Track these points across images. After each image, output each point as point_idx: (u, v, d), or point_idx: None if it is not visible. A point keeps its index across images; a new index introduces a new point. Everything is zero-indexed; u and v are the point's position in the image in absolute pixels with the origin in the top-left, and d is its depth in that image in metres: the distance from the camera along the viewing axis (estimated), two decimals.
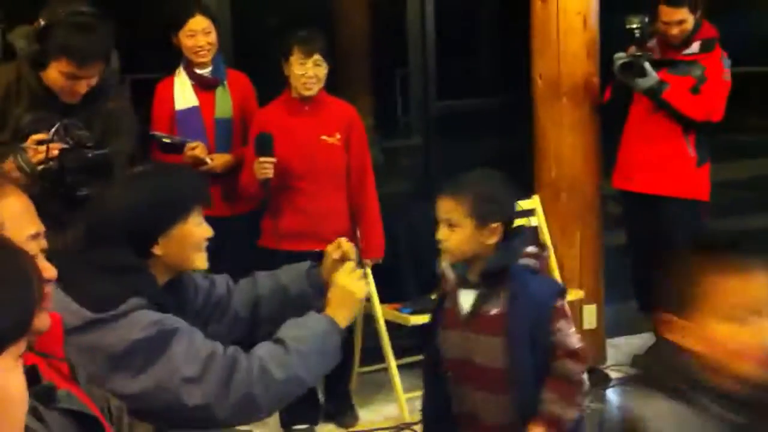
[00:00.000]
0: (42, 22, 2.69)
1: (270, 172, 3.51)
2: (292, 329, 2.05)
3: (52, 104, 2.80)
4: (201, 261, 2.10)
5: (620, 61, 3.90)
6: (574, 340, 2.26)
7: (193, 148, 3.64)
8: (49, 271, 1.43)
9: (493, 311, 2.28)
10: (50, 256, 1.55)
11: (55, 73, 2.72)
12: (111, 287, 1.94)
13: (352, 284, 2.13)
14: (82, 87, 2.75)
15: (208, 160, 3.67)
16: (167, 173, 2.24)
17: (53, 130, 2.67)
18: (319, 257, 3.64)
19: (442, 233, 2.29)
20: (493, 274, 2.27)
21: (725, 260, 1.49)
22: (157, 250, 2.02)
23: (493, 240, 2.26)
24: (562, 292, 2.34)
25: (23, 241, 1.47)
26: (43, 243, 1.58)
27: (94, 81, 2.77)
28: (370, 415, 3.95)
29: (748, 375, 1.44)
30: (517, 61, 4.42)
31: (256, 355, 1.98)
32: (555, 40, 4.10)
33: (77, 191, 2.67)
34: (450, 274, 2.36)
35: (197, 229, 2.08)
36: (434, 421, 2.50)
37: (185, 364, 1.92)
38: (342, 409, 3.87)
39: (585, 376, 2.30)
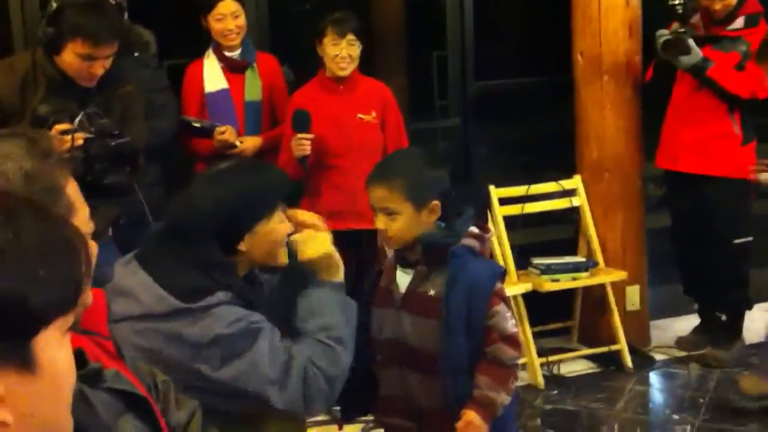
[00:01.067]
0: (54, 5, 2.71)
1: (308, 149, 3.52)
2: (314, 319, 2.07)
3: (69, 90, 2.82)
4: (283, 256, 2.13)
5: (663, 39, 3.82)
6: (510, 325, 2.19)
7: (222, 132, 3.65)
8: (94, 248, 1.43)
9: (431, 292, 2.21)
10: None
11: (70, 56, 2.74)
12: (199, 280, 1.98)
13: (318, 247, 2.12)
14: (99, 68, 2.77)
15: (237, 143, 3.69)
16: (253, 170, 2.25)
17: (77, 120, 2.71)
18: (357, 235, 3.69)
19: (382, 222, 2.23)
20: (434, 253, 2.20)
21: None
22: (242, 247, 2.05)
23: (432, 218, 2.20)
24: (501, 275, 2.26)
25: (86, 221, 1.47)
26: (92, 224, 1.59)
27: (108, 62, 2.79)
28: None
29: None
30: (557, 40, 4.36)
31: (313, 362, 2.02)
32: (596, 17, 4.03)
33: (104, 179, 2.70)
34: (389, 252, 2.30)
35: (281, 226, 2.10)
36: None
37: (269, 364, 1.98)
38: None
39: (518, 362, 2.25)
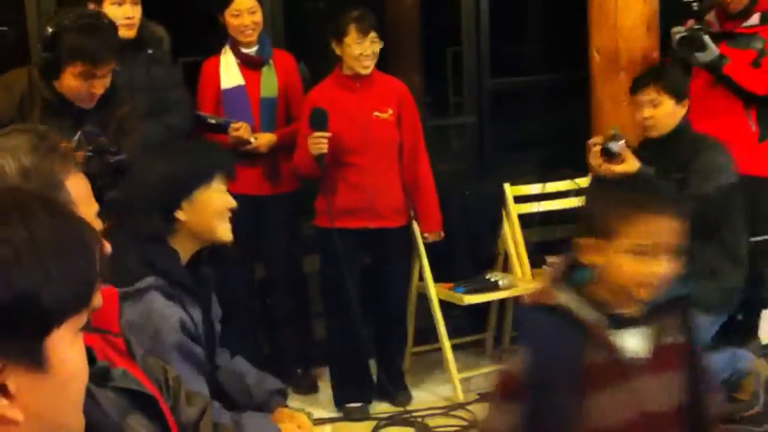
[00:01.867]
0: (49, 30, 2.73)
1: (324, 147, 3.52)
2: (252, 423, 2.01)
3: (66, 110, 2.84)
4: (224, 231, 2.15)
5: (679, 35, 3.77)
6: None
7: (237, 129, 3.65)
8: (106, 246, 1.43)
9: (668, 341, 1.80)
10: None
11: (70, 79, 2.76)
12: (134, 260, 2.00)
13: None
14: (99, 88, 2.80)
15: (252, 140, 3.69)
16: (195, 143, 2.37)
17: (75, 138, 2.72)
18: (372, 234, 3.68)
19: (663, 266, 1.72)
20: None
21: (643, 201, 1.70)
22: (181, 215, 2.09)
23: None
24: None
25: (92, 219, 1.48)
26: (100, 222, 1.59)
27: (108, 80, 2.81)
28: (423, 394, 3.94)
29: (643, 300, 1.70)
30: (573, 36, 4.33)
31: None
32: (613, 13, 3.99)
33: (104, 196, 2.72)
34: (589, 317, 1.73)
35: (220, 196, 2.14)
36: None
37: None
38: (395, 389, 3.86)
39: None
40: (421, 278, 3.99)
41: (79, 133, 2.71)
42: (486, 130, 4.62)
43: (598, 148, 3.43)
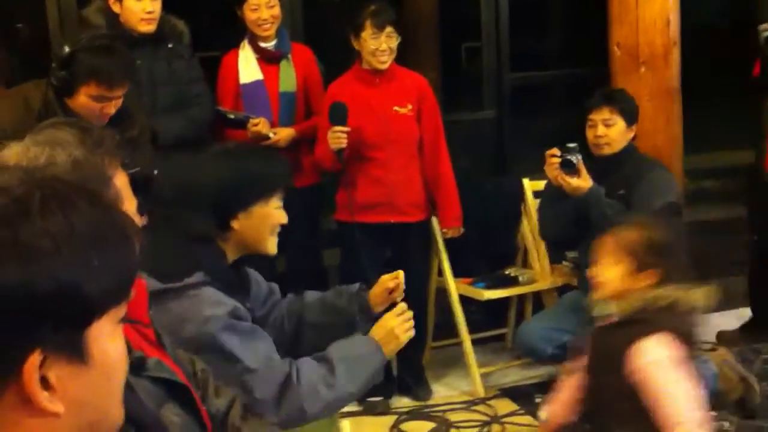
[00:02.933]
0: (66, 49, 2.73)
1: (344, 142, 3.51)
2: (341, 352, 2.08)
3: None
4: (272, 245, 2.15)
5: (766, 34, 3.76)
6: None
7: (256, 124, 3.65)
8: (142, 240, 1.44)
9: None
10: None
11: (84, 99, 2.75)
12: (181, 257, 1.98)
13: (399, 328, 2.14)
14: (111, 108, 2.80)
15: (271, 135, 3.68)
16: (258, 151, 2.36)
17: None
18: (393, 229, 3.68)
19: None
20: None
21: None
22: (235, 224, 2.06)
23: None
24: None
25: (133, 214, 1.48)
26: (140, 217, 1.60)
27: (120, 102, 2.80)
28: (443, 389, 3.93)
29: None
30: (593, 31, 4.31)
31: (306, 375, 2.01)
32: (633, 7, 3.97)
33: None
34: None
35: (276, 212, 2.12)
36: None
37: (250, 357, 1.96)
38: (416, 383, 3.86)
39: None
40: (441, 273, 3.98)
41: None
42: (505, 125, 4.60)
43: (555, 159, 3.43)
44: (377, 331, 2.14)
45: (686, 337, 2.16)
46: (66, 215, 0.83)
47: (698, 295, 2.20)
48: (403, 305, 2.20)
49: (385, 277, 2.36)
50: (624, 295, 2.23)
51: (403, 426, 3.64)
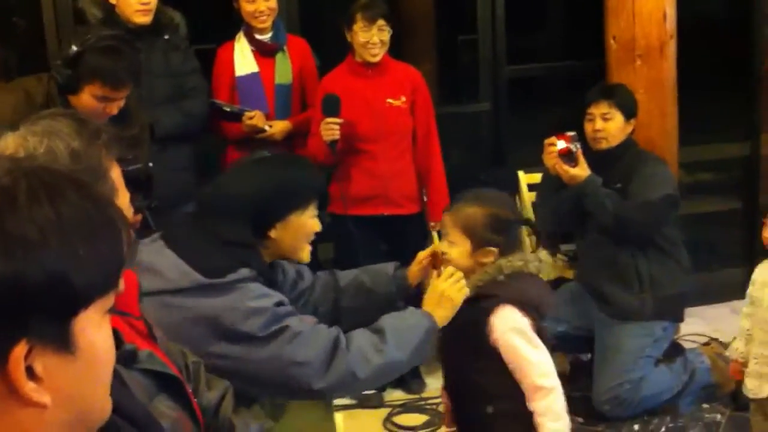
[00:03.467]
0: (74, 48, 2.72)
1: (337, 133, 3.51)
2: (392, 321, 2.12)
3: None
4: (307, 253, 2.19)
5: None
6: None
7: (251, 117, 3.64)
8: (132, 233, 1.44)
9: None
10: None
11: (87, 98, 2.75)
12: (224, 257, 2.01)
13: (452, 289, 2.16)
14: (114, 109, 2.80)
15: (266, 128, 3.68)
16: (296, 163, 2.37)
17: None
18: (387, 221, 3.67)
19: None
20: None
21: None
22: (272, 234, 2.10)
23: None
24: None
25: (127, 206, 1.48)
26: (132, 211, 1.60)
27: (123, 102, 2.80)
28: (437, 382, 3.91)
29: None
30: (588, 23, 4.30)
31: (355, 341, 2.06)
32: (630, 1, 3.96)
33: None
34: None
35: (311, 221, 2.15)
36: None
37: (309, 346, 1.99)
38: (410, 376, 3.85)
39: None
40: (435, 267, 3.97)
41: None
42: (501, 117, 4.59)
43: (554, 148, 3.42)
44: (430, 298, 2.17)
45: (533, 306, 2.16)
46: (54, 205, 0.83)
47: (536, 262, 2.21)
48: (450, 268, 2.20)
49: (421, 254, 2.41)
50: (469, 272, 2.21)
51: (396, 419, 3.65)
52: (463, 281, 2.17)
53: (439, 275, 2.22)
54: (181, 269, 1.98)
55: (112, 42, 2.76)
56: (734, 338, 2.97)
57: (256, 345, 1.96)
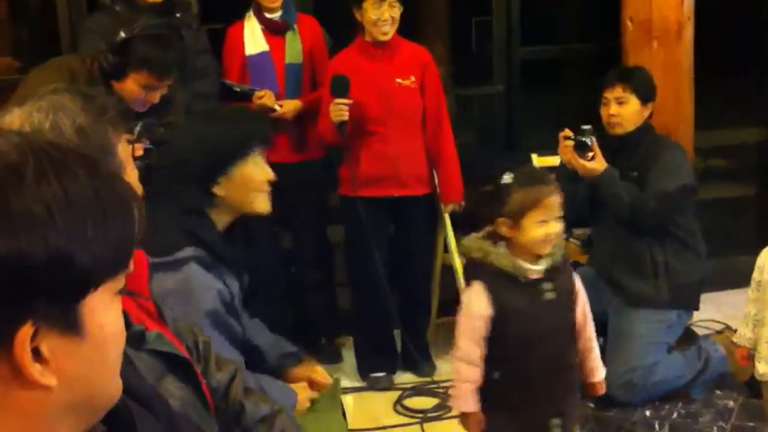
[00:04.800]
0: (122, 35, 2.69)
1: (345, 114, 3.48)
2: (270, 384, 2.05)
3: None
4: (262, 203, 2.13)
5: None
6: None
7: (261, 97, 3.62)
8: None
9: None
10: None
11: (131, 85, 2.73)
12: (172, 233, 1.98)
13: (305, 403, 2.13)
14: (156, 97, 2.79)
15: (276, 107, 3.65)
16: (229, 113, 2.33)
17: (137, 130, 2.69)
18: (396, 203, 3.64)
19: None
20: None
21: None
22: (218, 191, 2.06)
23: None
24: None
25: (136, 184, 1.46)
26: (140, 187, 1.58)
27: (165, 91, 2.79)
28: (447, 365, 3.89)
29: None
30: (605, 4, 4.25)
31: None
32: None
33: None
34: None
35: (258, 169, 2.11)
36: None
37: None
38: (420, 359, 3.85)
39: None
40: (446, 249, 3.95)
41: (140, 123, 2.69)
42: (515, 99, 4.55)
43: (569, 142, 3.38)
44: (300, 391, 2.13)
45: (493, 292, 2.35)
46: (61, 182, 0.80)
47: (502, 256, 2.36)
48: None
49: (317, 369, 2.30)
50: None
51: (407, 401, 3.63)
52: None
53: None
54: None
55: (162, 30, 2.74)
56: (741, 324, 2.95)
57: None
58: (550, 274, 2.39)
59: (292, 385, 2.14)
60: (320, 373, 2.29)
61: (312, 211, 3.86)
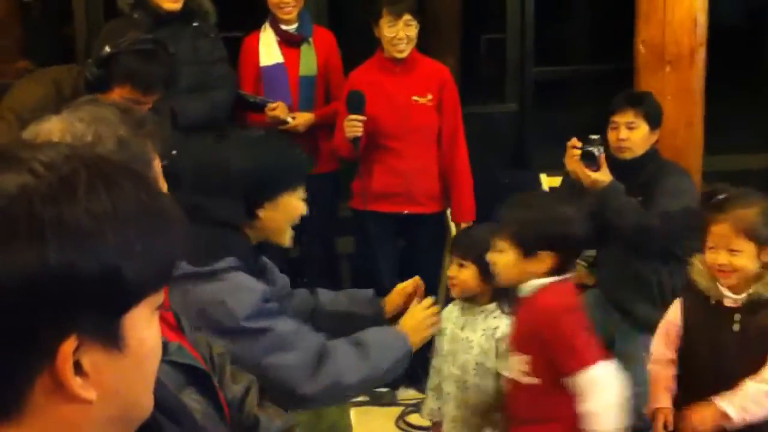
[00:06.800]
0: (108, 50, 2.68)
1: (359, 131, 3.48)
2: (375, 336, 2.12)
3: None
4: (289, 238, 2.17)
5: None
6: None
7: (274, 108, 3.62)
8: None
9: None
10: None
11: (115, 99, 2.69)
12: (211, 240, 1.96)
13: (428, 320, 2.20)
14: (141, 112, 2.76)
15: (289, 119, 3.66)
16: (287, 143, 2.36)
17: None
18: (407, 220, 3.65)
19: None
20: None
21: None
22: (261, 213, 2.07)
23: None
24: None
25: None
26: None
27: (150, 106, 2.77)
28: None
29: None
30: (617, 27, 4.26)
31: (341, 349, 2.05)
32: (661, 6, 3.91)
33: None
34: None
35: (299, 203, 2.13)
36: None
37: (282, 348, 1.97)
38: (423, 375, 3.82)
39: None
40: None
41: None
42: (527, 119, 4.56)
43: (576, 151, 3.38)
44: (408, 322, 2.18)
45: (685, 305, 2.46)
46: (111, 196, 0.80)
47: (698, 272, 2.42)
48: (430, 299, 2.23)
49: (401, 285, 2.41)
50: (756, 275, 2.31)
51: (409, 418, 3.63)
52: (438, 317, 2.23)
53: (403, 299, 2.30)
54: None
55: (148, 46, 2.73)
56: None
57: (242, 341, 1.91)
58: (750, 308, 2.33)
59: (401, 327, 2.17)
60: (404, 286, 2.37)
61: (321, 222, 3.86)
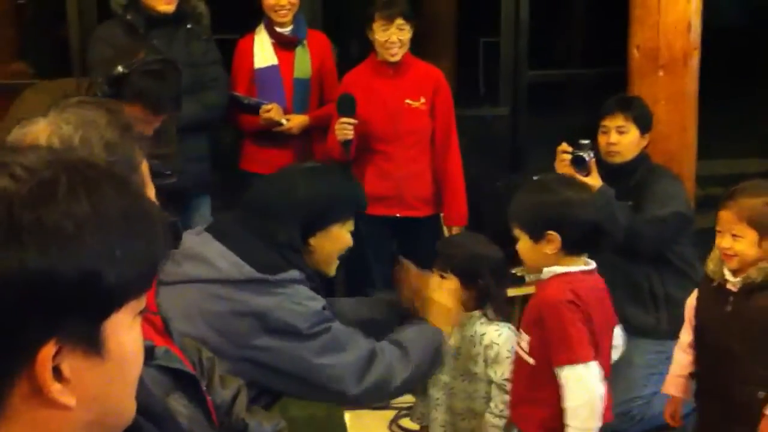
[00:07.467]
0: (120, 69, 2.67)
1: (350, 134, 3.48)
2: (411, 335, 2.21)
3: None
4: (334, 268, 2.24)
5: None
6: None
7: (268, 110, 3.62)
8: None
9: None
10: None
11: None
12: (275, 257, 2.05)
13: (447, 299, 2.27)
14: (149, 131, 2.77)
15: (283, 121, 3.66)
16: (346, 175, 2.46)
17: None
18: (400, 223, 3.64)
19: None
20: None
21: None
22: (313, 242, 2.14)
23: None
24: None
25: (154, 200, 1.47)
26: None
27: (158, 124, 2.77)
28: None
29: None
30: (611, 31, 4.27)
31: (387, 352, 2.14)
32: (655, 10, 3.93)
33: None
34: None
35: (347, 236, 2.21)
36: None
37: (337, 349, 2.07)
38: None
39: None
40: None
41: None
42: (521, 122, 4.56)
43: (566, 156, 3.38)
44: (437, 313, 2.25)
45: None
46: (91, 201, 0.80)
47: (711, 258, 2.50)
48: (436, 277, 2.33)
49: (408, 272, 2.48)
50: (756, 261, 2.38)
51: (402, 421, 3.62)
52: (450, 286, 2.29)
53: (410, 286, 2.36)
54: (231, 260, 2.01)
55: (159, 66, 2.73)
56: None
57: (301, 341, 2.00)
58: (748, 291, 2.41)
59: (434, 313, 2.25)
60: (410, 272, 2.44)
61: None
